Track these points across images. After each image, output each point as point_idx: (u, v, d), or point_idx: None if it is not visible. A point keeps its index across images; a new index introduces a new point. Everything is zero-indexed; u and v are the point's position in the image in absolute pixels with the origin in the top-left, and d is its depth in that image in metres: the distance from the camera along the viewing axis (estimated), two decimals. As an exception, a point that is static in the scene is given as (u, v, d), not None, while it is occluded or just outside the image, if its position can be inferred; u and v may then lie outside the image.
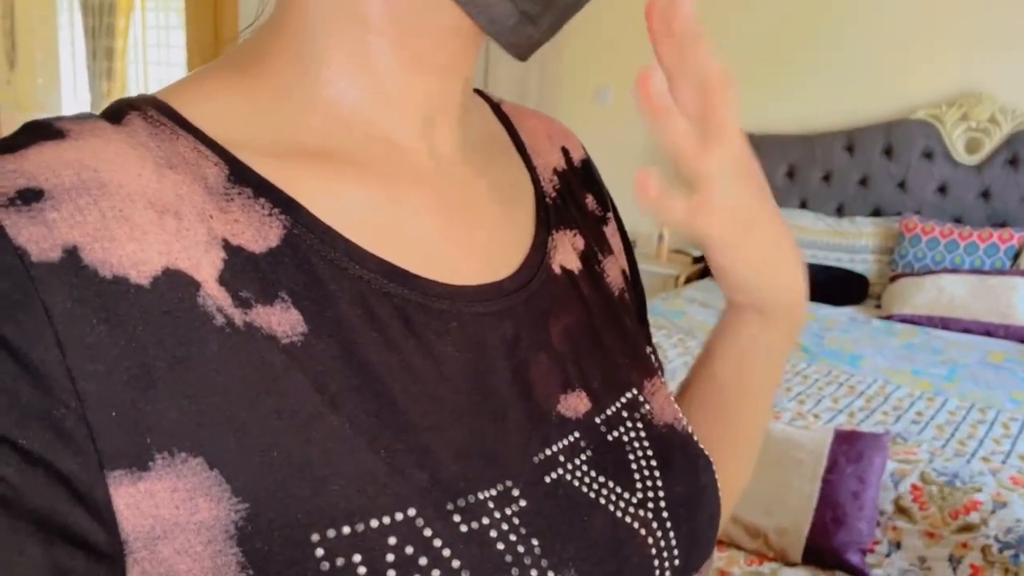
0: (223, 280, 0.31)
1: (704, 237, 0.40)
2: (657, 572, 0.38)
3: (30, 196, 0.28)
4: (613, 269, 0.49)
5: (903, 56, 3.22)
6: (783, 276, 0.45)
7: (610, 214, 0.52)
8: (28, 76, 5.37)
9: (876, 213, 3.33)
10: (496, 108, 0.50)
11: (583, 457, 0.39)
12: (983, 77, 3.13)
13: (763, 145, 3.45)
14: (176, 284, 0.30)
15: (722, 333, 0.50)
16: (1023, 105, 3.06)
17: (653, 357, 0.49)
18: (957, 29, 3.14)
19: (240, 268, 0.32)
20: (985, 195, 3.14)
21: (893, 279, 3.08)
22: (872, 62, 3.30)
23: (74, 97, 5.68)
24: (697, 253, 3.74)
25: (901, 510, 1.68)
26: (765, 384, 0.51)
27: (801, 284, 0.46)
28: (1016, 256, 2.96)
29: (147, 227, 0.30)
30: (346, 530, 0.30)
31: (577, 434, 0.39)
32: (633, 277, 0.53)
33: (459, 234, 0.40)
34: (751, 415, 0.52)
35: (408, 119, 0.39)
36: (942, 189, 3.21)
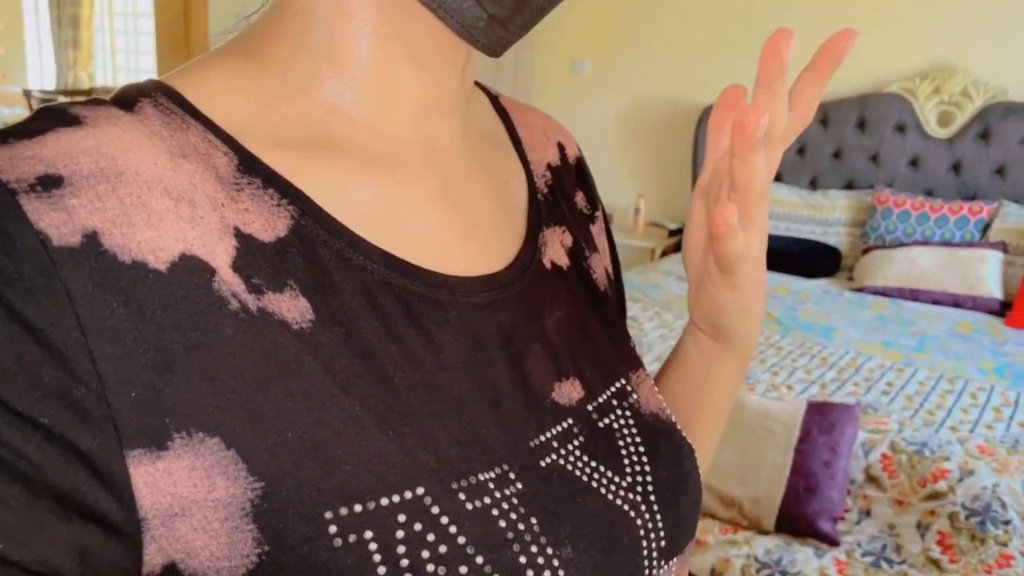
0: (236, 267, 0.32)
1: (733, 266, 0.42)
2: (645, 552, 0.40)
3: (50, 182, 0.29)
4: (598, 267, 0.50)
5: (877, 29, 3.22)
6: (755, 326, 0.49)
7: (598, 213, 0.54)
8: (-9, 45, 5.23)
9: (849, 186, 3.36)
10: (495, 101, 0.51)
11: (575, 443, 0.40)
12: (956, 50, 3.14)
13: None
14: (192, 270, 0.30)
15: (681, 363, 0.54)
16: (995, 79, 3.08)
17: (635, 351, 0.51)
18: (931, 2, 3.15)
19: (251, 256, 0.32)
20: (956, 168, 3.17)
21: (865, 251, 3.11)
22: (847, 35, 3.29)
23: (39, 66, 5.53)
24: (673, 226, 3.75)
25: (871, 479, 1.71)
26: (723, 403, 0.55)
27: (760, 329, 0.51)
28: (985, 228, 3.00)
29: (164, 214, 0.31)
30: (358, 508, 0.31)
31: (570, 420, 0.41)
32: (616, 277, 0.55)
33: (457, 226, 0.41)
34: (707, 428, 0.55)
35: (406, 112, 0.40)
36: (914, 162, 3.23)
